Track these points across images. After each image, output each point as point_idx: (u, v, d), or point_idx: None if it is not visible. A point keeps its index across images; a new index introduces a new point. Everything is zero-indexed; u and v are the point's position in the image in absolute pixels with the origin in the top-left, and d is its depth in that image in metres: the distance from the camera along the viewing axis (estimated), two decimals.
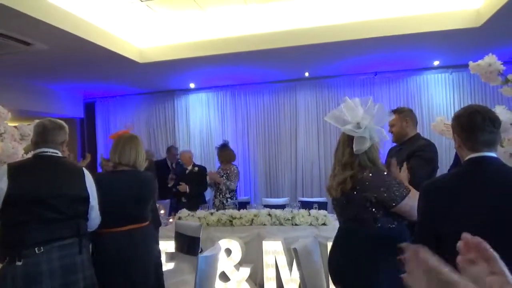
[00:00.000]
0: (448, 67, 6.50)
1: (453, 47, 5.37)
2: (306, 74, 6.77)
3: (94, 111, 8.34)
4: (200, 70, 6.22)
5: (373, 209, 1.92)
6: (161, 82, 6.96)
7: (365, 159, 1.97)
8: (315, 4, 4.61)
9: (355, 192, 1.94)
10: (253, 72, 6.54)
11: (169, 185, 5.80)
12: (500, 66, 2.10)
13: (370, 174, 1.94)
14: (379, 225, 1.93)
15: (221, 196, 5.34)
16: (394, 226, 1.94)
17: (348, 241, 2.03)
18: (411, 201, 1.86)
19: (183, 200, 5.60)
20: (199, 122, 7.71)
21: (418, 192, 1.97)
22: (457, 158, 5.01)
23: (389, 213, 1.93)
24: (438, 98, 6.65)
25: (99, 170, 5.82)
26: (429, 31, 4.62)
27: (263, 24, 4.95)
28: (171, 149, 6.72)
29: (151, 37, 5.28)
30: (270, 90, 7.33)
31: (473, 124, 1.52)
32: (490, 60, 2.09)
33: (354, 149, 1.96)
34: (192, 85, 7.36)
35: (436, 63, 6.33)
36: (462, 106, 5.63)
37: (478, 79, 6.48)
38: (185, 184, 5.57)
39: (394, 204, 1.90)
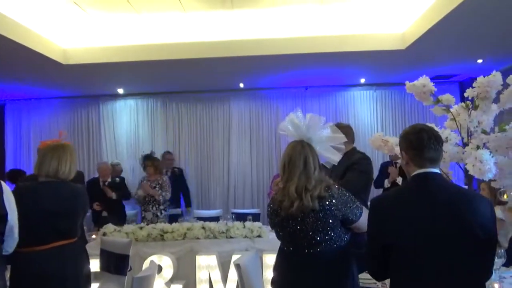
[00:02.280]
0: (372, 85, 7.00)
1: (379, 67, 5.77)
2: (241, 85, 6.78)
3: (3, 115, 7.45)
4: (130, 75, 5.90)
5: (341, 224, 1.90)
6: (86, 85, 6.46)
7: (324, 173, 1.95)
8: (250, 18, 4.64)
9: (327, 208, 1.85)
10: (187, 80, 6.38)
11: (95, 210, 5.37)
12: (432, 87, 2.25)
13: (339, 190, 1.91)
14: (344, 240, 1.93)
15: (154, 208, 5.12)
16: (348, 238, 1.96)
17: (324, 263, 1.88)
18: (365, 216, 1.90)
19: (104, 214, 5.24)
20: (127, 131, 7.28)
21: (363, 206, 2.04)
22: (382, 170, 5.34)
23: (346, 228, 1.94)
24: (363, 113, 7.10)
25: (7, 183, 5.17)
26: (358, 50, 4.90)
27: (200, 32, 4.86)
28: (165, 155, 6.38)
29: (77, 37, 4.88)
30: (203, 99, 7.21)
31: (421, 141, 1.58)
32: (424, 81, 2.23)
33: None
34: (120, 91, 6.95)
35: (362, 80, 6.75)
36: (384, 120, 6.09)
37: (398, 96, 7.11)
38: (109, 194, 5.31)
39: (355, 220, 1.90)
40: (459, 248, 1.48)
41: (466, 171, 2.02)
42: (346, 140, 2.10)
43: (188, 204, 6.47)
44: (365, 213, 1.95)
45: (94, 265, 3.63)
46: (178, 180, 6.31)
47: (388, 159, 5.71)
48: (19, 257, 2.11)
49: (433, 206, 1.52)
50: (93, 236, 4.45)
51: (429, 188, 1.57)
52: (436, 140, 1.60)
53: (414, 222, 1.53)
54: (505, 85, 2.19)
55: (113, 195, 5.35)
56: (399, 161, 5.02)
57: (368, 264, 1.70)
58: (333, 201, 1.85)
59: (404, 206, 1.58)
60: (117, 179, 5.61)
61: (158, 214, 5.12)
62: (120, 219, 5.12)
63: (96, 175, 5.89)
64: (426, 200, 1.55)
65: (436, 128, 2.06)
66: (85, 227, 4.54)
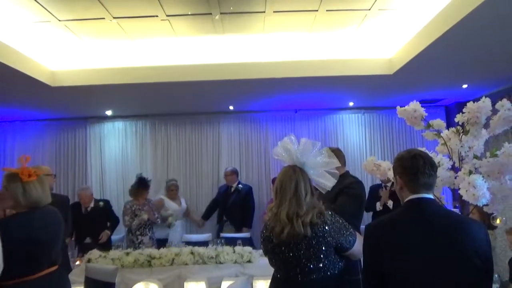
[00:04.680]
0: (360, 108, 7.11)
1: (367, 91, 5.86)
2: (231, 107, 6.80)
3: None
4: (119, 98, 5.86)
5: (334, 252, 1.86)
6: (74, 107, 6.38)
7: (317, 199, 1.93)
8: (241, 42, 4.70)
9: (319, 235, 1.82)
10: (176, 103, 6.37)
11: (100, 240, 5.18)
12: (423, 112, 2.28)
13: (332, 217, 1.89)
14: (338, 267, 1.89)
15: (150, 232, 5.14)
16: (342, 266, 1.92)
17: None
18: (359, 242, 1.87)
19: (88, 240, 5.08)
20: (115, 153, 7.17)
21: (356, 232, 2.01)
22: (371, 193, 5.33)
23: (339, 255, 1.90)
24: (352, 136, 7.16)
25: None
26: (347, 75, 4.96)
27: (190, 56, 4.88)
28: (226, 176, 6.29)
29: (66, 59, 4.84)
30: (193, 122, 7.18)
31: (416, 167, 1.58)
32: (415, 106, 2.26)
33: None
34: (108, 113, 6.88)
35: (351, 104, 6.84)
36: (372, 143, 6.13)
37: (386, 120, 7.21)
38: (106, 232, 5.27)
39: (349, 248, 1.87)
40: (456, 275, 1.45)
41: (460, 196, 2.02)
42: (339, 165, 2.09)
43: (249, 225, 6.30)
44: (359, 240, 1.93)
45: None
46: (243, 198, 6.21)
47: (377, 182, 5.72)
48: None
49: (428, 233, 1.51)
50: (77, 263, 4.30)
51: (424, 214, 1.56)
52: (431, 166, 1.60)
53: (410, 249, 1.51)
54: (494, 111, 2.22)
55: (109, 234, 5.28)
56: (389, 184, 5.03)
57: None
58: (326, 227, 1.82)
59: (399, 233, 1.56)
60: (101, 203, 5.44)
61: (153, 237, 5.15)
62: (105, 244, 4.97)
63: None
64: (421, 227, 1.53)
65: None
66: (69, 253, 4.40)
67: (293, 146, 1.97)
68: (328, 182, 1.99)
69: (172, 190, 5.94)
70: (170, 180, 6.16)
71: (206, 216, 6.49)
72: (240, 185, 6.27)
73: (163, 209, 5.58)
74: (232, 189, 6.21)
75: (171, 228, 5.61)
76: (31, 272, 2.10)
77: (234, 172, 6.33)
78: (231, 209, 6.14)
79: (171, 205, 5.86)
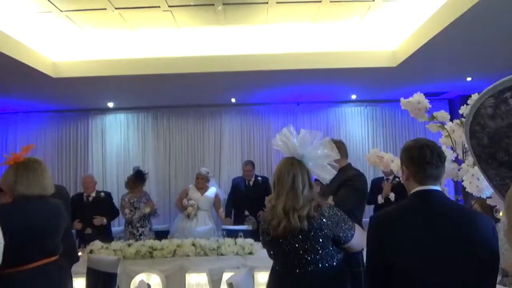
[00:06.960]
0: (363, 101, 7.07)
1: (370, 83, 5.83)
2: (233, 100, 6.78)
3: None
4: (121, 89, 5.84)
5: (332, 244, 1.86)
6: (76, 99, 6.38)
7: (315, 192, 1.91)
8: (243, 34, 4.67)
9: (317, 227, 1.80)
10: (178, 95, 6.35)
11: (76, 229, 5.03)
12: (427, 104, 2.25)
13: (330, 209, 1.87)
14: (337, 259, 1.88)
15: (150, 223, 5.17)
16: (341, 257, 1.91)
17: (317, 283, 1.83)
18: (359, 235, 1.86)
19: (88, 231, 5.06)
20: (117, 145, 7.17)
21: (356, 224, 2.00)
22: (373, 186, 5.32)
23: (338, 247, 1.89)
24: (354, 129, 7.13)
25: None
26: (350, 67, 4.93)
27: (192, 47, 4.86)
28: (244, 167, 6.06)
29: (68, 50, 4.82)
30: (195, 114, 7.17)
31: (423, 158, 1.54)
32: (419, 98, 2.24)
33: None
34: (110, 105, 6.87)
35: (353, 97, 6.81)
36: (375, 137, 6.09)
37: (389, 113, 7.16)
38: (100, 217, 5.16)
39: (347, 241, 1.86)
40: (462, 268, 1.43)
41: (463, 188, 2.00)
42: (339, 158, 2.07)
43: None
44: (358, 233, 1.92)
45: (81, 284, 3.52)
46: (264, 190, 5.97)
47: (379, 175, 5.70)
48: (7, 278, 2.01)
49: (434, 225, 1.48)
50: (79, 254, 4.32)
51: (430, 206, 1.53)
52: (438, 157, 1.56)
53: (415, 241, 1.48)
54: None
55: (104, 221, 5.20)
56: (391, 177, 5.02)
57: (368, 286, 1.65)
58: (323, 220, 1.81)
59: (405, 224, 1.53)
60: (102, 193, 5.45)
61: (152, 228, 5.18)
62: (106, 235, 4.98)
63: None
64: (427, 219, 1.50)
65: None
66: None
67: (292, 138, 1.95)
68: (327, 175, 1.97)
69: (197, 179, 5.61)
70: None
71: (231, 213, 6.19)
72: (259, 178, 6.09)
73: (185, 199, 5.38)
74: (252, 183, 6.02)
75: (191, 219, 5.33)
76: (21, 262, 2.07)
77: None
78: (255, 203, 5.83)
79: (194, 194, 5.48)
